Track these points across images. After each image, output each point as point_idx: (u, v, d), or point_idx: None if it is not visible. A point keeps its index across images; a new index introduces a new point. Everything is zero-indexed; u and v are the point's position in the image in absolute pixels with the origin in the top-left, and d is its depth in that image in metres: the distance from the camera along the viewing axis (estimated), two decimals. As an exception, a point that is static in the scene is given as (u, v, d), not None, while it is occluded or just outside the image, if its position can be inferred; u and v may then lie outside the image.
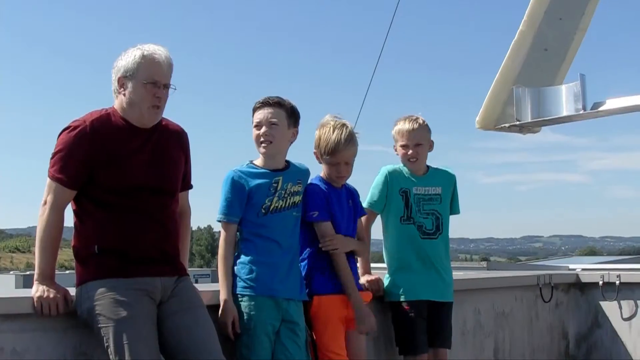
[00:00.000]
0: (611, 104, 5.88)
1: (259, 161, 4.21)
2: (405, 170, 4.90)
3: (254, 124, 4.17)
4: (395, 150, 4.92)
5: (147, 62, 3.67)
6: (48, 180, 3.61)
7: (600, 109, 5.86)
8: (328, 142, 4.37)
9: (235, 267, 4.10)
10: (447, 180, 5.00)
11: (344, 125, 4.44)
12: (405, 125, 4.82)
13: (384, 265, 4.97)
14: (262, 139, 4.15)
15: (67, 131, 3.62)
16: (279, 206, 4.14)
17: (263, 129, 4.14)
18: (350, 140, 4.41)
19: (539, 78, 6.26)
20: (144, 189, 3.68)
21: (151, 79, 3.66)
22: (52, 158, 3.62)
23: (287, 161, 4.27)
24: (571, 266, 8.05)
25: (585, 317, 7.02)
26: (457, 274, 6.07)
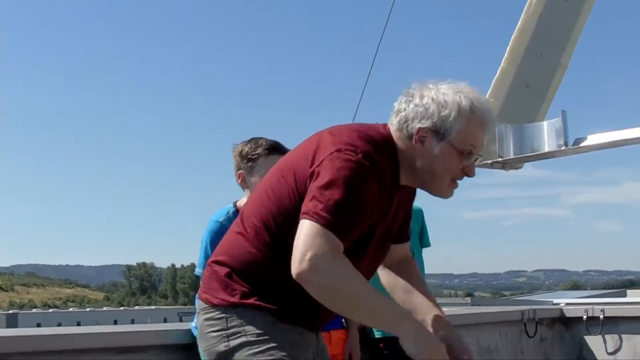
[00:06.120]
0: (592, 139, 5.92)
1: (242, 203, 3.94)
2: None
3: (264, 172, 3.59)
4: None
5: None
6: None
7: (582, 144, 5.91)
8: None
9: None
10: (415, 213, 4.99)
11: None
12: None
13: None
14: None
15: None
16: None
17: None
18: None
19: (521, 115, 6.31)
20: None
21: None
22: None
23: None
24: (555, 301, 8.06)
25: (570, 352, 7.03)
26: (441, 310, 6.05)
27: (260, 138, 3.96)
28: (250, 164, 3.89)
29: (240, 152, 3.93)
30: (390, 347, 4.73)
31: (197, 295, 3.11)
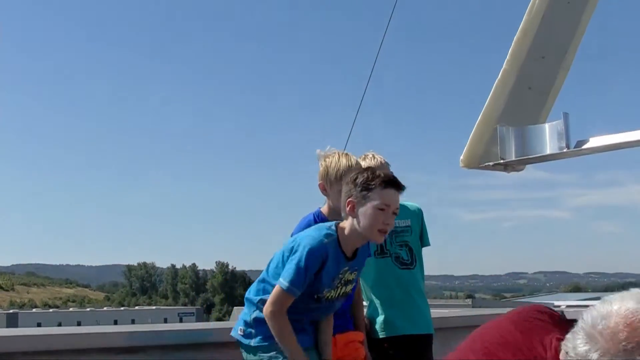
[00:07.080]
0: (594, 142, 5.90)
1: (343, 235, 3.82)
2: None
3: (380, 205, 3.72)
4: None
5: None
6: None
7: (584, 147, 5.89)
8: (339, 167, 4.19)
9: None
10: (415, 213, 5.00)
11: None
12: (369, 165, 4.74)
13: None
14: (385, 229, 3.77)
15: None
16: (330, 297, 3.85)
17: (391, 216, 3.79)
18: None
19: (523, 117, 6.29)
20: None
21: None
22: None
23: None
24: (556, 303, 8.08)
25: (571, 355, 7.02)
26: (442, 312, 6.08)
27: (376, 169, 3.92)
28: (364, 192, 3.76)
29: (355, 180, 3.80)
30: (394, 346, 4.75)
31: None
